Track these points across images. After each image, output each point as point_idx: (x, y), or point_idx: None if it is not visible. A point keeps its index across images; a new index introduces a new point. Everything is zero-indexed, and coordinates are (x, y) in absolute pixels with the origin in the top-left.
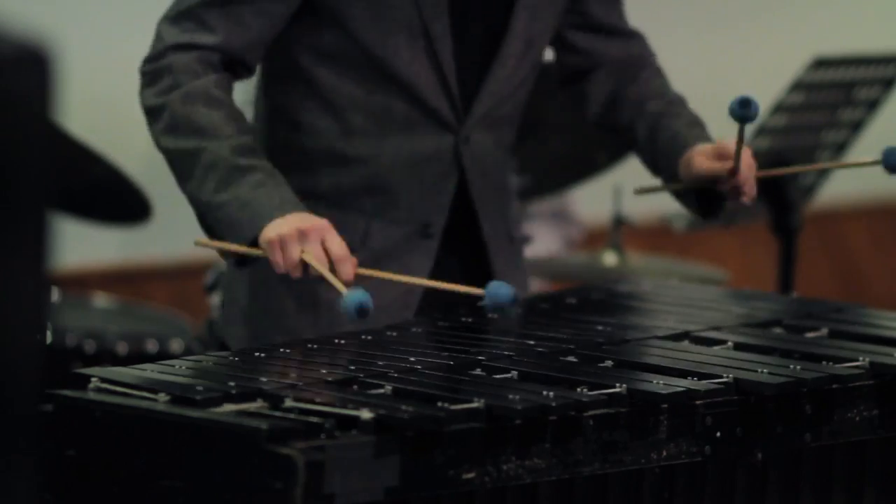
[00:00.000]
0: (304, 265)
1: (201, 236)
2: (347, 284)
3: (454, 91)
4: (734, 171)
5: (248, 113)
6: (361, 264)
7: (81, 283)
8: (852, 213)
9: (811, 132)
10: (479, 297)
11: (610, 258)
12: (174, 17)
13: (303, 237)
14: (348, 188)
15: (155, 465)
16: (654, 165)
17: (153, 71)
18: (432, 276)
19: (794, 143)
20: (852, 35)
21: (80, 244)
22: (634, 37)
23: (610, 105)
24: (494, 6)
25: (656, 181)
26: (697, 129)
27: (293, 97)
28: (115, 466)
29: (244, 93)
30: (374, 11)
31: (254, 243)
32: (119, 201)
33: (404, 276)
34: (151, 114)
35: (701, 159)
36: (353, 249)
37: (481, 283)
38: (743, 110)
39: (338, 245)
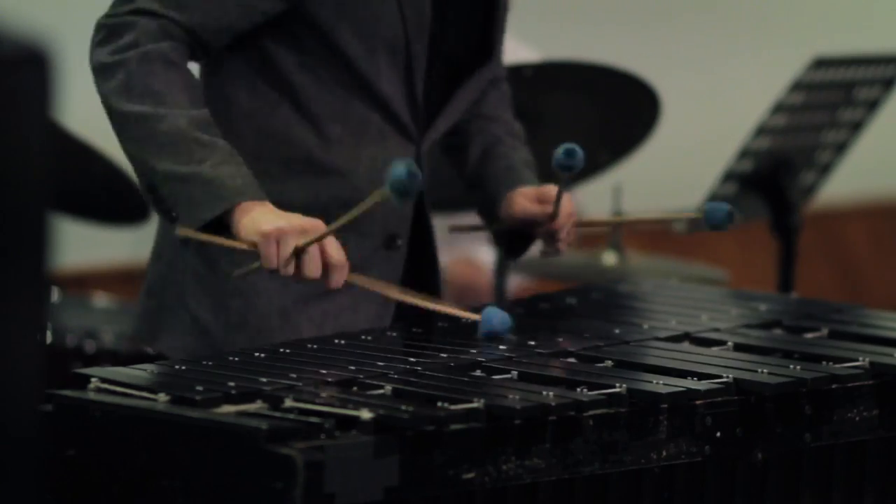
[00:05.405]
0: (296, 264)
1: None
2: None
3: (420, 105)
4: (553, 217)
5: None
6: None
7: (81, 283)
8: (852, 213)
9: (811, 132)
10: (474, 322)
11: (610, 258)
12: None
13: (303, 235)
14: (325, 201)
15: (155, 465)
16: (476, 183)
17: (113, 25)
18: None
19: (794, 143)
20: (852, 35)
21: (80, 244)
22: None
23: None
24: (470, 26)
25: (476, 219)
26: (529, 171)
27: (266, 104)
28: (115, 466)
29: None
30: (361, 27)
31: (214, 223)
32: (119, 200)
33: (394, 289)
34: (103, 71)
35: (522, 200)
36: None
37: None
38: (568, 160)
39: (336, 249)
